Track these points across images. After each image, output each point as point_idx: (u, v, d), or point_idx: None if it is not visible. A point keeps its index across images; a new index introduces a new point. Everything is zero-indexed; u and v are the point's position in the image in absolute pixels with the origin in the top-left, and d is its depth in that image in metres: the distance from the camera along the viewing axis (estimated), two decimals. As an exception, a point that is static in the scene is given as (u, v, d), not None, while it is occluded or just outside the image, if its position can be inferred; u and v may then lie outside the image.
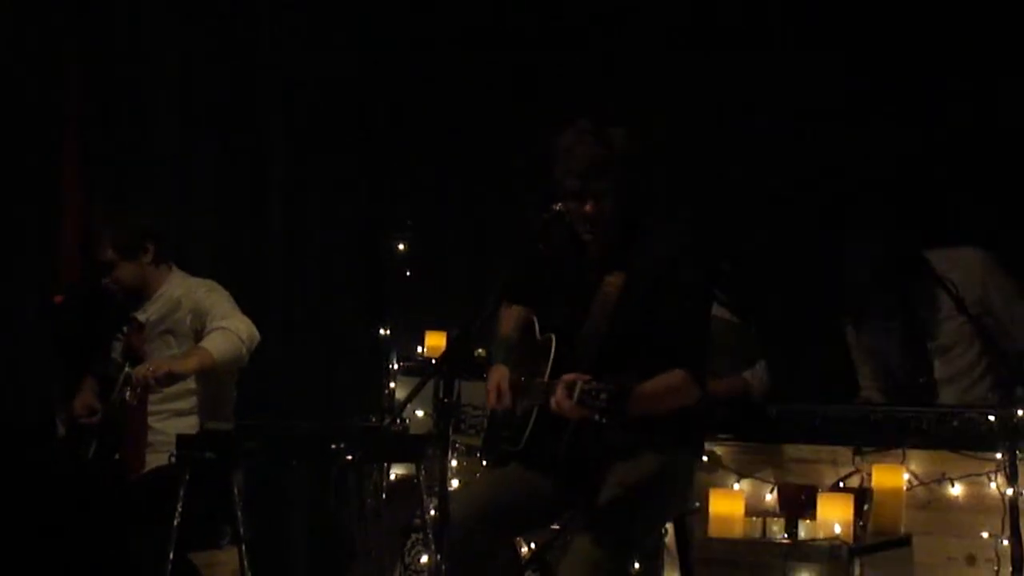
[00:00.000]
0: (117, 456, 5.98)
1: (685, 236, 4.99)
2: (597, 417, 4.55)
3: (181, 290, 6.08)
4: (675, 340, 4.82)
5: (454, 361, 4.80)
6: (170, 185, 7.08)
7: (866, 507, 5.50)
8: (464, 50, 7.61)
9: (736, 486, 5.82)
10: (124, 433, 5.98)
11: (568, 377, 4.59)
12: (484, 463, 5.21)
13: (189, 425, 5.95)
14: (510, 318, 5.14)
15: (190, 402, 6.03)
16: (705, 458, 5.57)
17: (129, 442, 5.98)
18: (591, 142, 4.85)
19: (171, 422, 5.97)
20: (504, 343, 5.08)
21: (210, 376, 5.96)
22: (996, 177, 6.76)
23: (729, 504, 5.53)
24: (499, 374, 4.96)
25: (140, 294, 6.10)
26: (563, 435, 4.82)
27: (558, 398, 4.60)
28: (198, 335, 5.96)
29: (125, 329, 6.11)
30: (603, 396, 4.50)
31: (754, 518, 5.49)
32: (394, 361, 6.71)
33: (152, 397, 5.95)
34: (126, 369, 5.94)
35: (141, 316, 6.09)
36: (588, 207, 4.87)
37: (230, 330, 5.83)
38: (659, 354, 4.79)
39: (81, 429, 6.04)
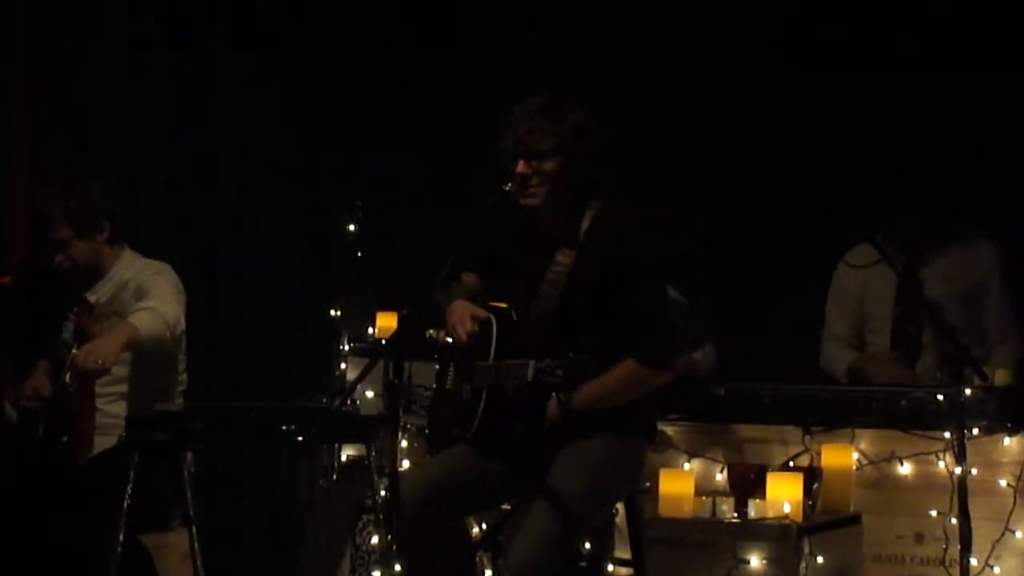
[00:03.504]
0: (65, 439, 5.94)
1: (637, 216, 4.99)
2: (555, 393, 4.55)
3: (131, 272, 6.04)
4: (627, 329, 4.83)
5: (404, 342, 4.79)
6: (119, 165, 7.03)
7: (815, 486, 5.52)
8: (426, 30, 7.59)
9: (686, 466, 5.84)
10: (72, 416, 5.94)
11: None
12: (430, 452, 5.19)
13: (135, 407, 5.92)
14: (467, 280, 5.14)
15: (135, 385, 6.00)
16: (655, 438, 5.57)
17: (77, 425, 5.95)
18: (534, 111, 4.88)
19: (120, 404, 5.93)
20: (460, 287, 5.09)
21: (155, 358, 5.93)
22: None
23: (679, 484, 5.53)
24: (464, 305, 4.96)
25: (93, 274, 6.04)
26: (514, 418, 4.83)
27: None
28: None
29: (75, 310, 6.08)
30: (559, 372, 4.51)
31: (704, 497, 5.50)
32: (345, 342, 6.70)
33: (100, 379, 5.92)
34: (74, 351, 5.91)
35: (92, 297, 6.04)
36: (521, 165, 4.88)
37: (157, 311, 5.74)
38: (614, 338, 4.79)
39: (28, 413, 6.01)
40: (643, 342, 4.85)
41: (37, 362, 6.14)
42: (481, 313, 4.94)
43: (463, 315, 4.94)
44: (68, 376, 5.78)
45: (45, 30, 6.89)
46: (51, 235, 5.97)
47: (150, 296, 5.84)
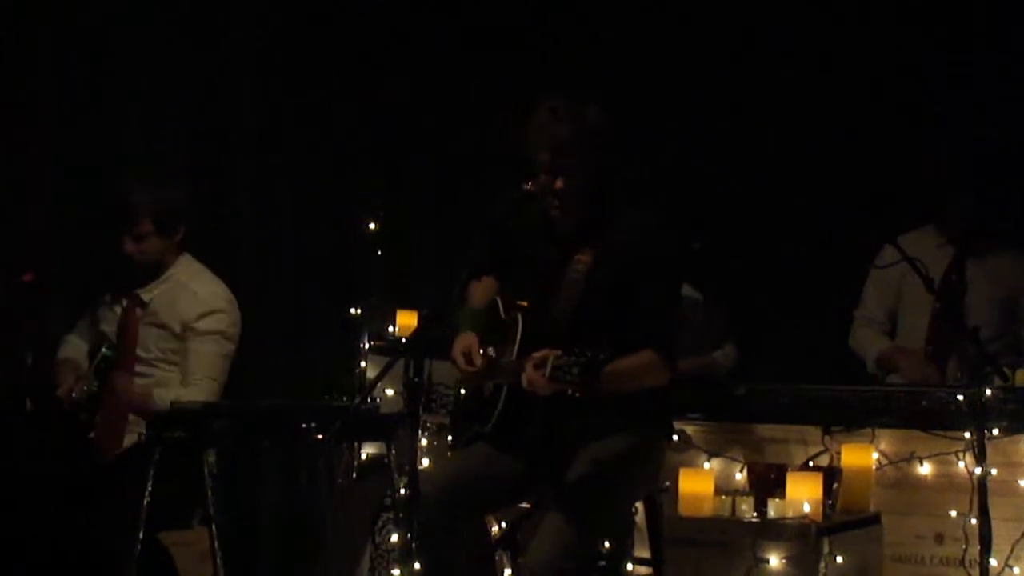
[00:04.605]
0: (92, 435, 5.94)
1: (656, 216, 5.00)
2: (571, 391, 4.55)
3: (187, 275, 6.05)
4: (646, 321, 4.84)
5: (424, 340, 4.79)
6: (139, 163, 7.04)
7: (835, 486, 5.52)
8: (439, 32, 7.60)
9: (706, 465, 5.84)
10: (103, 414, 5.94)
11: (539, 354, 4.60)
12: (451, 447, 5.20)
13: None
14: (479, 291, 5.14)
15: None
16: (675, 437, 5.58)
17: (106, 423, 5.94)
18: (564, 118, 4.86)
19: None
20: (471, 312, 5.09)
21: None
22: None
23: (699, 483, 5.53)
24: (467, 339, 4.97)
25: (150, 273, 6.04)
26: (534, 415, 4.83)
27: (530, 375, 4.61)
28: (179, 342, 5.97)
29: (124, 303, 6.05)
30: (575, 370, 4.51)
31: (723, 497, 5.51)
32: (365, 340, 6.69)
33: (140, 381, 5.96)
34: (103, 351, 5.92)
35: (146, 296, 6.03)
36: (559, 183, 4.88)
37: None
38: (630, 334, 4.79)
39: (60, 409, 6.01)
40: (662, 338, 4.87)
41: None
42: (476, 355, 4.94)
43: (457, 352, 4.98)
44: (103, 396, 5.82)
45: (66, 30, 6.92)
46: (132, 228, 5.95)
47: (191, 370, 5.89)
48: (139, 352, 6.01)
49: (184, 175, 7.14)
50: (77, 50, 7.06)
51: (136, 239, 5.97)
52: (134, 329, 6.00)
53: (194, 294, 6.01)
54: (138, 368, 6.01)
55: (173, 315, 5.98)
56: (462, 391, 5.20)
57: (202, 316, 5.98)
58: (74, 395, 5.96)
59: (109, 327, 6.08)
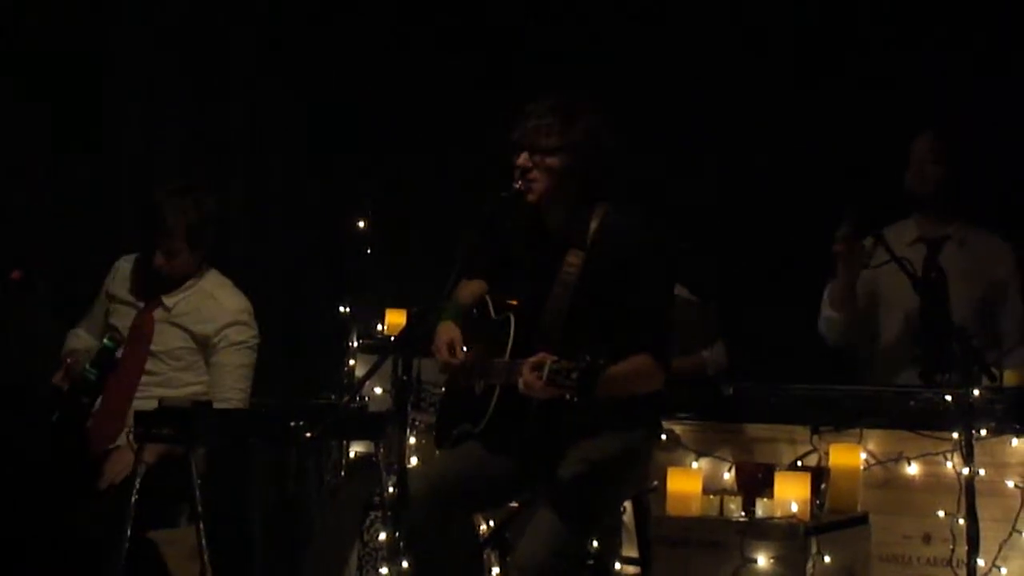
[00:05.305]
0: (89, 424, 5.95)
1: (647, 217, 4.99)
2: (568, 396, 4.54)
3: (211, 287, 6.01)
4: (640, 325, 4.83)
5: (413, 339, 4.80)
6: (131, 162, 7.05)
7: (823, 486, 5.52)
8: (439, 32, 7.61)
9: (694, 464, 5.84)
10: (101, 407, 5.94)
11: (535, 358, 4.60)
12: (437, 445, 5.20)
13: None
14: (467, 290, 5.14)
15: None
16: (664, 437, 5.58)
17: (103, 417, 5.94)
18: (547, 107, 4.89)
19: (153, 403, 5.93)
20: (455, 304, 5.08)
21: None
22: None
23: (687, 482, 5.53)
24: (450, 330, 4.97)
25: (176, 281, 6.04)
26: (527, 416, 4.83)
27: (527, 379, 4.59)
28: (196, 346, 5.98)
29: (142, 305, 6.05)
30: (574, 375, 4.49)
31: (711, 496, 5.50)
32: (354, 339, 6.71)
33: (145, 378, 5.96)
34: (105, 341, 5.92)
35: (169, 301, 6.02)
36: (522, 158, 4.88)
37: None
38: (623, 337, 4.79)
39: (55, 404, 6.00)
40: (656, 340, 4.86)
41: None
42: (460, 348, 4.95)
43: (442, 343, 4.97)
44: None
45: (67, 30, 6.94)
46: (164, 242, 5.91)
47: (220, 382, 5.88)
48: (153, 347, 6.00)
49: (178, 171, 7.15)
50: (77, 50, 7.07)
51: (168, 255, 5.94)
52: (149, 328, 5.99)
53: (220, 304, 6.00)
54: (149, 364, 6.01)
55: (196, 320, 5.97)
56: (444, 388, 5.20)
57: (227, 327, 5.95)
58: (72, 367, 5.94)
59: (121, 322, 6.06)
